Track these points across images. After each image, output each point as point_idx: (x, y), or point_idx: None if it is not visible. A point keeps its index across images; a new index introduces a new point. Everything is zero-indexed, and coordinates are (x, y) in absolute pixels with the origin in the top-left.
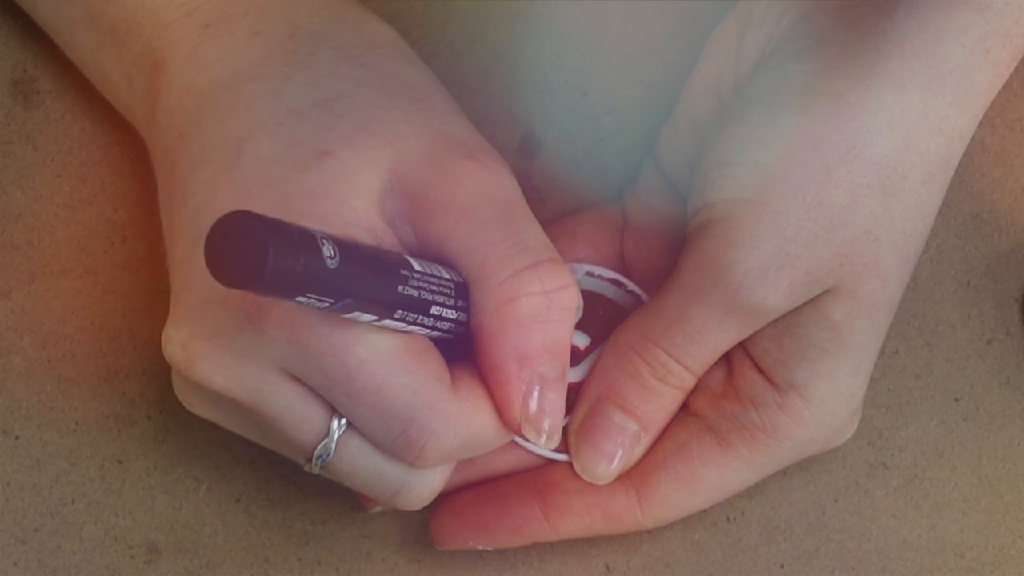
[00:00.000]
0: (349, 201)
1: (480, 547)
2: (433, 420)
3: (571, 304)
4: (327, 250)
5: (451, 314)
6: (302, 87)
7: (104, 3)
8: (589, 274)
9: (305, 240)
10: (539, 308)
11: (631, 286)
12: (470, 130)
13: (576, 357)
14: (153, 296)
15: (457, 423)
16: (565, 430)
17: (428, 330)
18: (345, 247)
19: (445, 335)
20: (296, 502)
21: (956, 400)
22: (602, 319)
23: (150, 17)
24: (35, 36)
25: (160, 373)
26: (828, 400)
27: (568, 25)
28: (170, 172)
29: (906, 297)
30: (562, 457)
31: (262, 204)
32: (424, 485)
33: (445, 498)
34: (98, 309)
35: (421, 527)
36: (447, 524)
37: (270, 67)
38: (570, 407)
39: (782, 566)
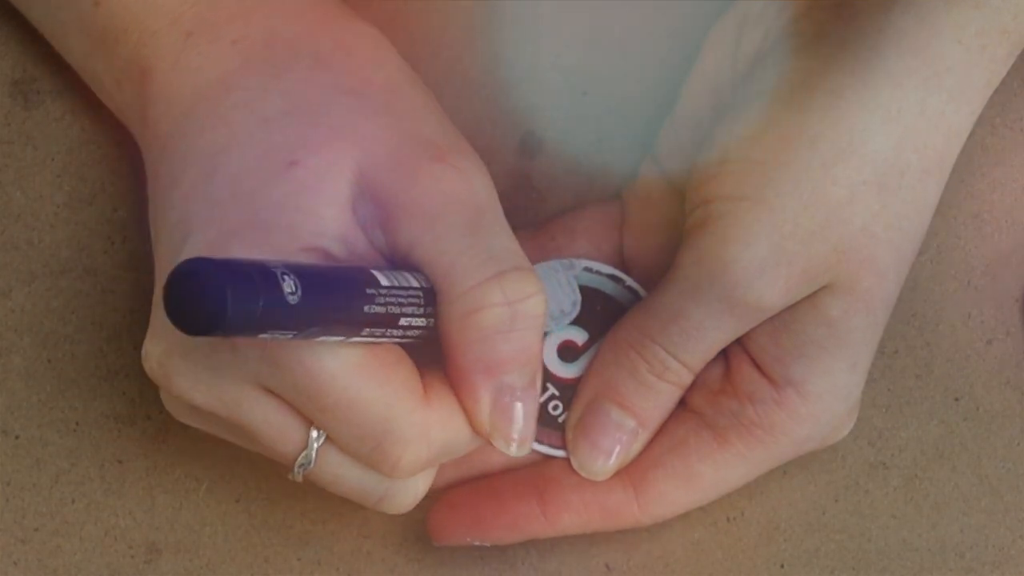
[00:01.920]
0: (317, 211)
1: (478, 543)
2: (406, 432)
3: (537, 312)
4: (288, 286)
5: (421, 322)
6: (275, 97)
7: (93, 10)
8: (587, 270)
9: (264, 280)
10: (503, 319)
11: (629, 282)
12: (444, 129)
13: (574, 353)
14: (152, 296)
15: (431, 433)
16: (563, 427)
17: (398, 340)
18: (307, 277)
19: (417, 340)
20: (296, 502)
21: (956, 400)
22: (600, 315)
23: (136, 25)
24: (35, 36)
25: None
26: (825, 397)
27: (568, 25)
28: (156, 181)
29: (906, 297)
30: (560, 453)
31: (234, 218)
32: (407, 491)
33: (442, 495)
34: (98, 309)
35: (421, 527)
36: (444, 521)
37: (248, 77)
38: (568, 403)
39: (782, 566)
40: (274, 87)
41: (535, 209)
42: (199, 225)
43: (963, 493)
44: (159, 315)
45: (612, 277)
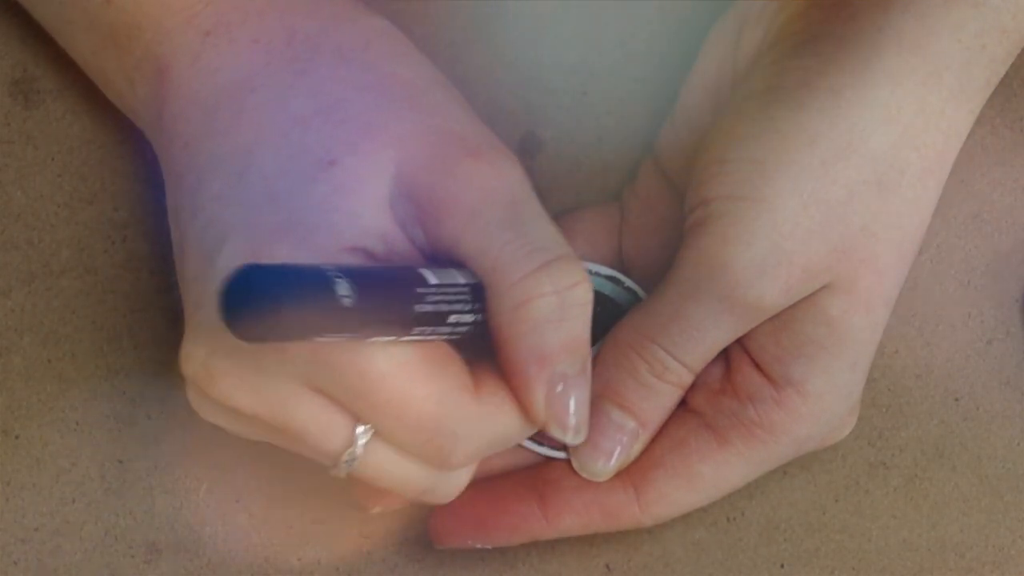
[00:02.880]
0: (358, 211)
1: (479, 545)
2: (458, 427)
3: (585, 299)
4: (342, 289)
5: (469, 318)
6: (304, 95)
7: (103, 7)
8: (587, 271)
9: (319, 285)
10: (553, 309)
11: (629, 283)
12: (472, 123)
13: None
14: (153, 296)
15: (482, 427)
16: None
17: (446, 337)
18: (360, 279)
19: (465, 336)
20: (296, 502)
21: (956, 400)
22: (600, 316)
23: (150, 22)
24: (35, 36)
25: (160, 373)
26: (825, 396)
27: (568, 25)
28: (178, 182)
29: (906, 297)
30: (560, 455)
31: (271, 219)
32: (452, 482)
33: None
34: (98, 309)
35: (421, 527)
36: (445, 523)
37: (271, 75)
38: None
39: (782, 566)
40: (300, 85)
41: None
42: (235, 228)
43: (963, 493)
44: (199, 316)
45: (611, 278)
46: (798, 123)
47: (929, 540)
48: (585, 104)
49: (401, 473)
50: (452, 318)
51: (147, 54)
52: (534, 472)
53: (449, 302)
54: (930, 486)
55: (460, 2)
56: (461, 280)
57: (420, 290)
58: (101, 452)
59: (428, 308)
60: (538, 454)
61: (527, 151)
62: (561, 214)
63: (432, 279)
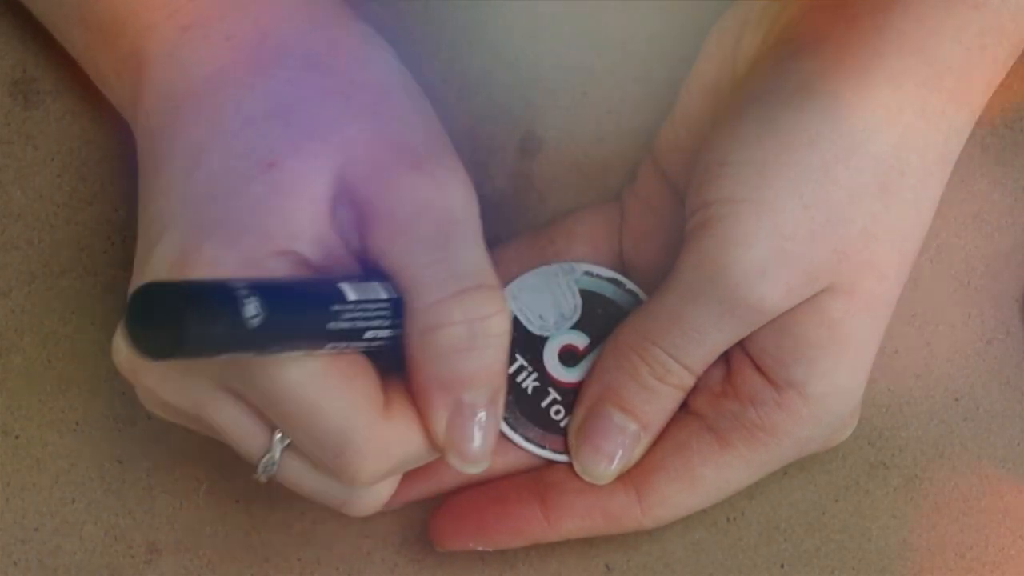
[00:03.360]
0: (293, 213)
1: (480, 548)
2: (365, 445)
3: (498, 331)
4: (249, 309)
5: (387, 333)
6: (260, 96)
7: (94, 4)
8: (587, 274)
9: (225, 303)
10: (460, 338)
11: (629, 285)
12: (428, 136)
13: (575, 357)
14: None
15: (390, 447)
16: (565, 431)
17: (362, 349)
18: (272, 296)
19: (381, 348)
20: (296, 502)
21: (956, 400)
22: (601, 319)
23: (134, 18)
24: (35, 36)
25: None
26: (827, 398)
27: (568, 25)
28: (143, 173)
29: (906, 297)
30: (562, 458)
31: (209, 217)
32: (370, 496)
33: (445, 500)
34: (98, 309)
35: (421, 527)
36: (447, 526)
37: (236, 75)
38: (569, 407)
39: (782, 566)
40: (261, 86)
41: (535, 209)
42: (174, 222)
43: (963, 493)
44: None
45: (612, 280)
46: (799, 125)
47: (929, 540)
48: (585, 104)
49: (317, 484)
50: (368, 333)
51: (132, 48)
52: (536, 475)
53: (367, 318)
54: (930, 486)
55: (460, 2)
56: (383, 295)
57: (336, 307)
58: (101, 452)
59: (344, 325)
60: (540, 457)
61: (527, 151)
62: (562, 215)
63: (351, 295)
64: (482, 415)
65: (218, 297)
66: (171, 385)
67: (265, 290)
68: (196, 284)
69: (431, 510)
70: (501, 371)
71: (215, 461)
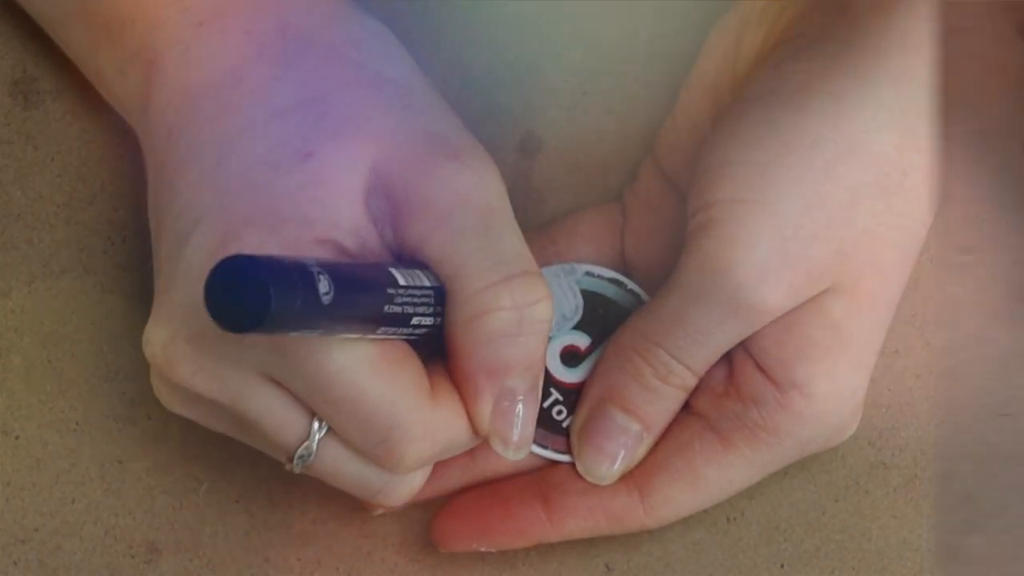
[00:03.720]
0: (332, 203)
1: (483, 549)
2: (411, 430)
3: (544, 317)
4: (323, 285)
5: (430, 320)
6: (289, 87)
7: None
8: (589, 274)
9: (303, 279)
10: (509, 323)
11: (631, 285)
12: (457, 128)
13: (577, 358)
14: (153, 296)
15: (435, 431)
16: (568, 432)
17: (406, 337)
18: (338, 275)
19: (422, 337)
20: (296, 502)
21: None
22: (602, 319)
23: (143, 14)
24: (35, 36)
25: None
26: (829, 398)
27: (568, 25)
28: (159, 171)
29: (906, 297)
30: (564, 458)
31: (246, 208)
32: (405, 485)
33: (447, 502)
34: (98, 309)
35: (422, 527)
36: (450, 527)
37: (260, 67)
38: (572, 408)
39: (782, 566)
40: (287, 77)
41: (535, 209)
42: (208, 214)
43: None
44: (164, 300)
45: (614, 281)
46: (800, 126)
47: (929, 540)
48: (585, 104)
49: (354, 472)
50: (415, 320)
51: (140, 45)
52: (538, 475)
53: (414, 304)
54: (930, 486)
55: (460, 2)
56: (426, 282)
57: (391, 291)
58: (101, 452)
59: (396, 309)
60: (542, 457)
61: (527, 151)
62: (562, 215)
63: (401, 280)
64: (524, 401)
65: (297, 272)
66: (207, 374)
67: (331, 269)
68: (277, 258)
69: (433, 511)
70: (543, 358)
71: (215, 461)
